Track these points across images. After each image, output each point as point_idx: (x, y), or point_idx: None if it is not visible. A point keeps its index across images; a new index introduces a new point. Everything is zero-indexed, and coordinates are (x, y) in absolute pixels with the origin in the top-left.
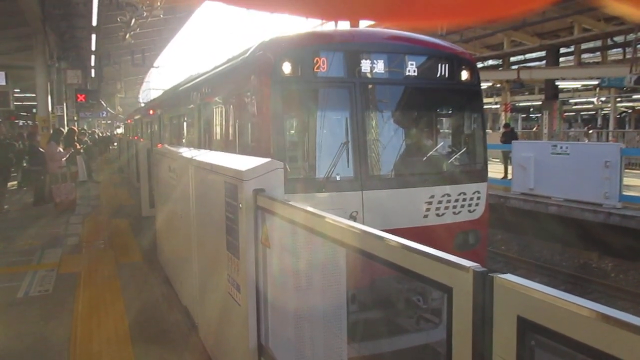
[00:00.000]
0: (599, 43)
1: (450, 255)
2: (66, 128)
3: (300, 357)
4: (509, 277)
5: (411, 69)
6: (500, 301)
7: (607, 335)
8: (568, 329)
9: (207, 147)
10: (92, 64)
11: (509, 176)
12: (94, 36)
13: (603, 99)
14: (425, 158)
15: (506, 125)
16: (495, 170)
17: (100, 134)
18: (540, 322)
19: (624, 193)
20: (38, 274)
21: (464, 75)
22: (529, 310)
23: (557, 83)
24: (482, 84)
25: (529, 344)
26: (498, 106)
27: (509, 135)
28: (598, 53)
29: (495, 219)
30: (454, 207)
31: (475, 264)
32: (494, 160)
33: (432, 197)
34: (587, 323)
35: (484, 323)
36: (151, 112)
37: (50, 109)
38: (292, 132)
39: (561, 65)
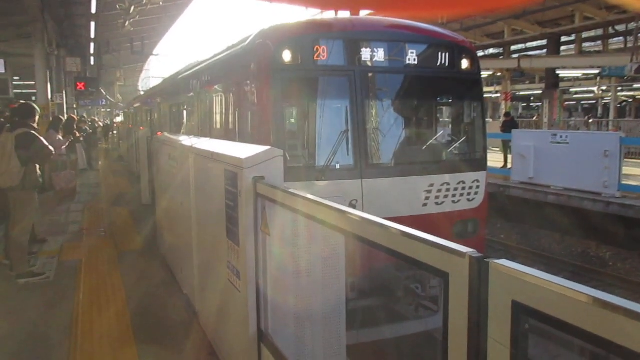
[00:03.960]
0: (600, 32)
1: (447, 242)
2: (66, 116)
3: (300, 344)
4: (504, 262)
5: (411, 57)
6: (495, 286)
7: (599, 318)
8: (561, 312)
9: (207, 135)
10: (92, 51)
11: (509, 165)
12: (93, 24)
13: (604, 88)
14: (424, 147)
15: (507, 114)
16: (495, 159)
17: (101, 124)
18: (534, 306)
19: (623, 182)
20: (39, 261)
21: (464, 63)
22: (524, 294)
23: (557, 72)
24: (482, 73)
25: (523, 328)
26: (498, 95)
27: (510, 125)
28: (599, 42)
29: (495, 208)
30: (453, 195)
31: (471, 249)
32: (494, 149)
33: (432, 185)
34: (580, 306)
35: (480, 307)
36: (151, 100)
37: (49, 97)
38: (292, 120)
39: (562, 54)
